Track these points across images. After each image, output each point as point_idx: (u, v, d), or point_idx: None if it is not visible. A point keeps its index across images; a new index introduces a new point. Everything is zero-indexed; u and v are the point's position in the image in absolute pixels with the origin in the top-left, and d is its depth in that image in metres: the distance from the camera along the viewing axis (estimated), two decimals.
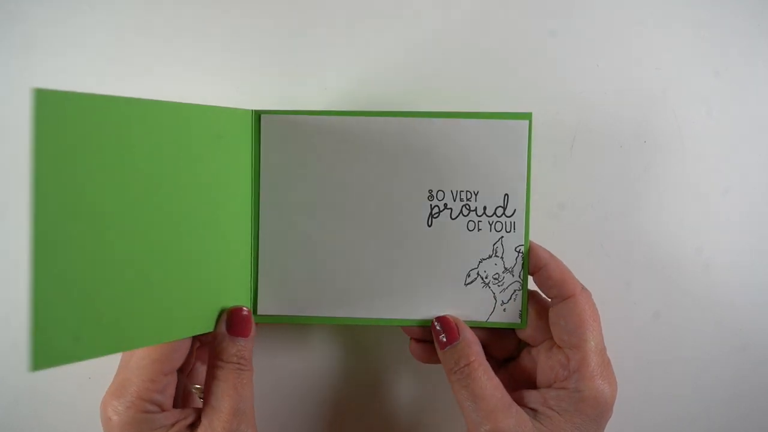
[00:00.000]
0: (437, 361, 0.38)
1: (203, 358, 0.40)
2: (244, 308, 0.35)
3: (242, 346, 0.34)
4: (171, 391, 0.34)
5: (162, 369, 0.32)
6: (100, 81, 0.43)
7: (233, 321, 0.35)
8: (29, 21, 0.43)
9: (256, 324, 0.36)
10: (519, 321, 0.37)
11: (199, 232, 0.34)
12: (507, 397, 0.35)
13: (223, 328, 0.35)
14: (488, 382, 0.35)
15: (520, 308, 0.37)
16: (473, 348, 0.36)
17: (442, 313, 0.37)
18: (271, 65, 0.43)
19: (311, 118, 0.36)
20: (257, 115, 0.37)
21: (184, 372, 0.37)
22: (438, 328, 0.37)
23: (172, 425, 0.33)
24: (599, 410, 0.35)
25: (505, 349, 0.40)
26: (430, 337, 0.38)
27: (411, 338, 0.39)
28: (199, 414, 0.34)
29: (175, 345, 0.33)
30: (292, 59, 0.43)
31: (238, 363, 0.34)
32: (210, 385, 0.34)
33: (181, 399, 0.37)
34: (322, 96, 0.43)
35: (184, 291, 0.33)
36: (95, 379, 0.42)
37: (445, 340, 0.36)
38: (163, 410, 0.33)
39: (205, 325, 0.34)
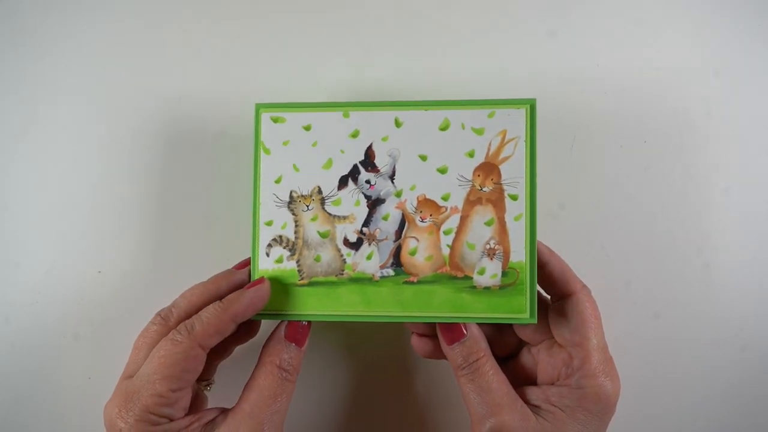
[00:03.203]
0: (439, 355, 0.38)
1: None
2: (304, 320, 0.36)
3: (294, 355, 0.35)
4: (184, 404, 0.33)
5: (170, 387, 0.32)
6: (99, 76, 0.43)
7: (292, 327, 0.36)
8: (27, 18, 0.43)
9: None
10: (527, 316, 0.36)
11: None
12: (513, 393, 0.35)
13: (281, 332, 0.36)
14: (495, 376, 0.35)
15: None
16: (481, 344, 0.36)
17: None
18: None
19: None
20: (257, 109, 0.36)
21: (199, 379, 0.37)
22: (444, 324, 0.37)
23: (186, 427, 0.33)
24: (601, 406, 0.35)
25: (507, 347, 0.40)
26: (433, 332, 0.38)
27: (413, 332, 0.39)
28: (217, 412, 0.34)
29: (186, 365, 0.33)
30: (292, 51, 0.43)
31: (287, 371, 0.35)
32: (251, 386, 0.35)
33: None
34: (321, 85, 0.43)
35: None
36: (95, 379, 0.42)
37: (452, 335, 0.36)
38: (172, 420, 0.33)
39: None
